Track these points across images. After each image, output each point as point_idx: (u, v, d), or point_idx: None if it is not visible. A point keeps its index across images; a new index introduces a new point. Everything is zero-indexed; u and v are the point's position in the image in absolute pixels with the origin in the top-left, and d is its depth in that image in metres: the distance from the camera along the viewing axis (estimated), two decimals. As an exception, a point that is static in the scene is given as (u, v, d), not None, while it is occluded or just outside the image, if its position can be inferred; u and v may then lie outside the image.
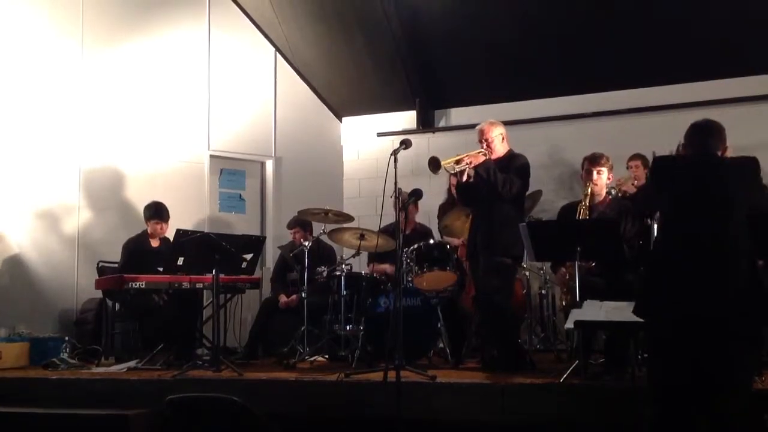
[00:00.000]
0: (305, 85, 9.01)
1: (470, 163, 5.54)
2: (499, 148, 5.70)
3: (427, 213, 7.21)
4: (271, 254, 8.16)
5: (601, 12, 7.47)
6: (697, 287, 3.48)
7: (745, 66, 7.38)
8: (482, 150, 5.63)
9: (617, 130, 7.58)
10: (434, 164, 5.50)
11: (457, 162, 5.57)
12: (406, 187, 5.68)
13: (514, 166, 5.61)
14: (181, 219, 7.12)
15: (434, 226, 7.11)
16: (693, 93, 7.46)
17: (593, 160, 5.70)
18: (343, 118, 9.26)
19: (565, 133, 8.00)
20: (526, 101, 8.22)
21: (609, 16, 7.48)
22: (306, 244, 6.62)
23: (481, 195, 5.63)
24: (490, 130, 5.68)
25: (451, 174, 5.82)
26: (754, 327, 3.55)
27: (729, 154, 5.22)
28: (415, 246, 6.21)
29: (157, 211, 6.90)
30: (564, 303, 6.01)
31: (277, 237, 8.21)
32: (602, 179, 5.62)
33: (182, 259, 6.08)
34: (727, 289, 3.47)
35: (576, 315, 4.82)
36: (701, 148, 3.77)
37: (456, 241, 6.72)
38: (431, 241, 6.40)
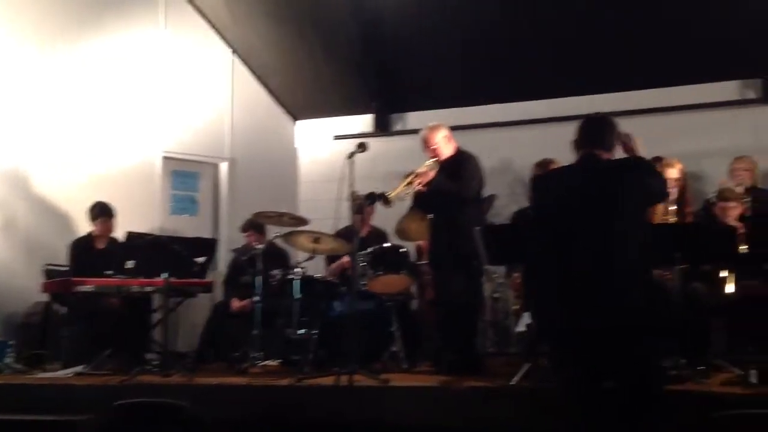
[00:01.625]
0: (261, 86, 8.95)
1: (420, 183, 5.56)
2: (446, 150, 5.75)
3: (383, 216, 7.17)
4: (223, 257, 8.05)
5: (554, 20, 7.54)
6: (589, 300, 3.43)
7: (690, 75, 7.50)
8: (429, 163, 5.62)
9: (569, 136, 7.61)
10: (384, 200, 5.53)
11: (408, 184, 5.59)
12: (363, 190, 5.65)
13: (463, 166, 5.64)
14: (131, 221, 6.98)
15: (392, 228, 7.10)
16: (642, 100, 7.55)
17: (542, 166, 5.77)
18: (299, 121, 9.22)
19: (518, 139, 8.04)
20: (481, 106, 8.25)
21: (561, 25, 7.55)
22: (260, 247, 6.54)
23: (438, 203, 5.65)
24: (434, 136, 5.73)
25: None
26: (647, 335, 3.53)
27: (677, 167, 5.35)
28: (371, 249, 6.19)
29: (102, 210, 6.80)
30: (516, 307, 6.05)
31: (230, 240, 8.11)
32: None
33: (132, 262, 5.98)
34: (620, 299, 3.42)
35: (528, 318, 4.85)
36: (588, 147, 3.73)
37: (422, 243, 6.73)
38: (387, 245, 6.37)
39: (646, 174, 3.76)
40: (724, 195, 5.55)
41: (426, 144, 5.77)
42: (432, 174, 5.60)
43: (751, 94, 7.49)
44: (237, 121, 8.71)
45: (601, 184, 3.61)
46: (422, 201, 5.80)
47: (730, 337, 5.78)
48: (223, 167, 8.70)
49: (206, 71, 8.58)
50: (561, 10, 7.45)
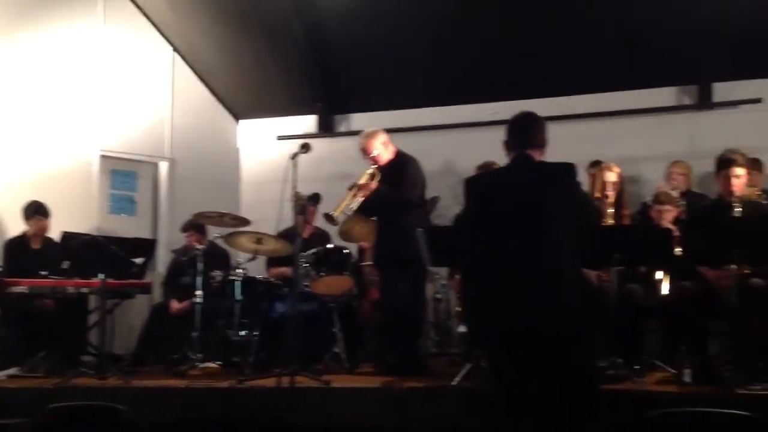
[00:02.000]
0: (203, 86, 8.84)
1: (363, 195, 5.61)
2: (386, 155, 5.79)
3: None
4: (163, 258, 7.93)
5: (498, 25, 7.62)
6: (521, 301, 3.44)
7: (629, 81, 7.66)
8: (370, 172, 5.66)
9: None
10: (329, 219, 5.60)
11: (352, 197, 5.63)
12: (306, 191, 5.62)
13: (405, 171, 5.66)
14: (68, 221, 6.83)
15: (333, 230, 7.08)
16: (582, 104, 7.69)
17: (484, 168, 5.83)
18: (242, 121, 9.14)
19: (461, 141, 8.10)
20: (424, 108, 8.31)
21: (504, 30, 7.64)
22: (200, 248, 6.46)
23: (383, 209, 5.67)
24: (372, 144, 5.76)
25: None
26: (580, 336, 3.57)
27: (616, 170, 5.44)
28: (313, 250, 6.16)
29: (37, 209, 6.66)
30: (458, 308, 6.09)
31: (170, 241, 7.99)
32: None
33: (68, 262, 5.86)
34: (551, 299, 3.44)
35: (470, 319, 4.88)
36: (520, 148, 3.72)
37: (365, 244, 6.74)
38: (329, 246, 6.35)
39: (580, 189, 3.84)
40: (660, 198, 5.67)
41: (365, 151, 5.81)
42: (374, 185, 5.63)
43: (687, 101, 7.69)
44: (177, 120, 8.58)
45: (534, 186, 3.62)
46: (367, 209, 5.81)
47: (664, 337, 5.94)
48: (163, 167, 8.56)
49: (146, 69, 8.43)
50: (504, 14, 7.53)
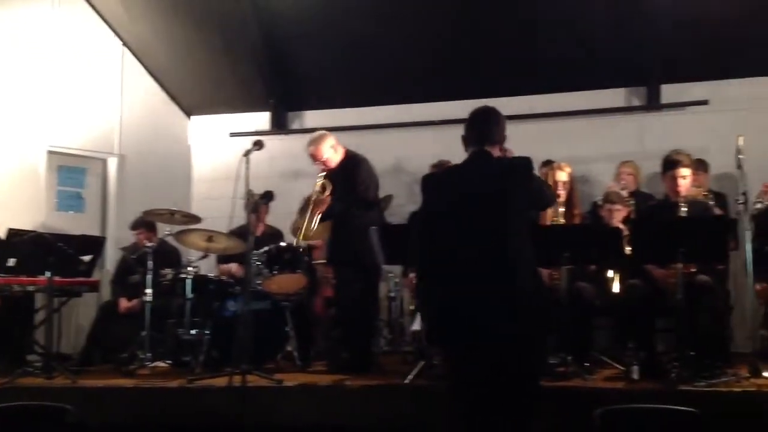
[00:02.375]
0: (154, 81, 8.71)
1: (320, 212, 5.70)
2: (336, 158, 5.82)
3: (278, 215, 7.12)
4: (111, 256, 7.81)
5: (451, 24, 7.66)
6: (478, 299, 3.42)
7: (580, 82, 7.76)
8: (321, 183, 5.72)
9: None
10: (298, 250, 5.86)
11: (311, 218, 5.70)
12: (258, 189, 5.58)
13: (357, 172, 5.72)
14: (14, 218, 6.70)
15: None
16: (533, 104, 7.75)
17: (438, 167, 5.86)
18: (193, 117, 9.03)
19: (414, 140, 8.13)
20: (377, 107, 8.31)
21: (457, 29, 7.68)
22: (150, 245, 6.37)
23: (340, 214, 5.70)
24: (320, 150, 5.78)
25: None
26: (535, 334, 3.59)
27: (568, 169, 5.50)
28: (266, 248, 6.12)
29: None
30: (412, 307, 6.11)
31: (119, 238, 7.86)
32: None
33: (14, 259, 5.74)
34: (507, 301, 3.41)
35: (423, 317, 4.89)
36: (478, 144, 3.69)
37: (317, 242, 6.72)
38: (282, 244, 6.31)
39: (536, 178, 3.83)
40: (610, 198, 5.76)
41: (314, 157, 5.81)
42: (328, 198, 5.65)
43: (637, 102, 7.81)
44: (127, 116, 8.44)
45: (492, 182, 3.60)
46: (325, 217, 5.84)
47: (613, 335, 6.03)
48: (112, 163, 8.41)
49: (95, 64, 8.26)
50: (458, 14, 7.57)
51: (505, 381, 3.43)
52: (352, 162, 5.82)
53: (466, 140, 3.76)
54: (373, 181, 5.88)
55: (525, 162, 3.66)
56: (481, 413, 3.49)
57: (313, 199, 5.73)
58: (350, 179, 5.74)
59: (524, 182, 3.64)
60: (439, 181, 3.88)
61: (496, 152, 3.70)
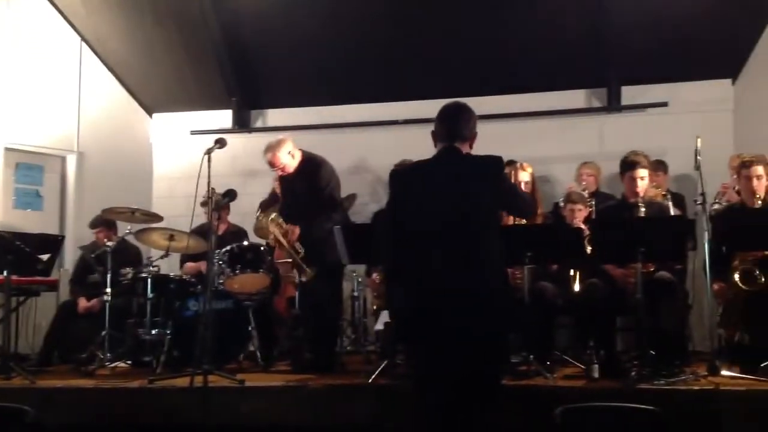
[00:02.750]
0: (113, 78, 8.59)
1: (294, 240, 5.71)
2: (293, 163, 5.83)
3: (242, 214, 7.08)
4: (70, 255, 7.70)
5: (413, 23, 7.69)
6: (447, 300, 3.40)
7: (541, 83, 7.85)
8: (275, 228, 5.77)
9: (425, 137, 7.72)
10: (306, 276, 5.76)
11: (296, 251, 5.72)
12: (220, 188, 5.54)
13: (318, 175, 5.73)
14: (-31, 215, 6.57)
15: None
16: (496, 105, 7.78)
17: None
18: (155, 115, 8.93)
19: (378, 139, 8.15)
20: (340, 105, 8.30)
21: (419, 29, 7.71)
22: (110, 244, 6.28)
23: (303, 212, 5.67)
24: (278, 156, 5.76)
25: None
26: (503, 333, 3.62)
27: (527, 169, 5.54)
28: (228, 247, 6.08)
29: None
30: (375, 306, 6.11)
31: (78, 237, 7.75)
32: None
33: (-31, 258, 5.63)
34: (476, 299, 3.40)
35: (386, 317, 4.91)
36: (448, 140, 3.65)
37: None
38: (245, 243, 6.27)
39: (508, 181, 3.83)
40: (572, 198, 5.81)
41: (272, 164, 5.79)
42: (297, 230, 5.66)
43: (597, 103, 7.90)
44: (86, 112, 8.32)
45: (461, 179, 3.58)
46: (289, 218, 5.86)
47: (573, 334, 6.10)
48: (71, 160, 8.29)
49: (53, 59, 8.13)
50: (420, 15, 7.59)
51: (470, 379, 3.43)
52: (312, 165, 5.80)
53: (436, 136, 3.72)
54: (335, 181, 5.87)
55: (496, 161, 3.63)
56: (445, 411, 3.49)
57: (281, 239, 5.75)
58: (313, 182, 5.72)
59: (495, 181, 3.62)
60: (407, 176, 3.81)
61: (465, 149, 3.67)
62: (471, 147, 3.71)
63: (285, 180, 5.94)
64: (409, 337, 3.59)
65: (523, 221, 5.25)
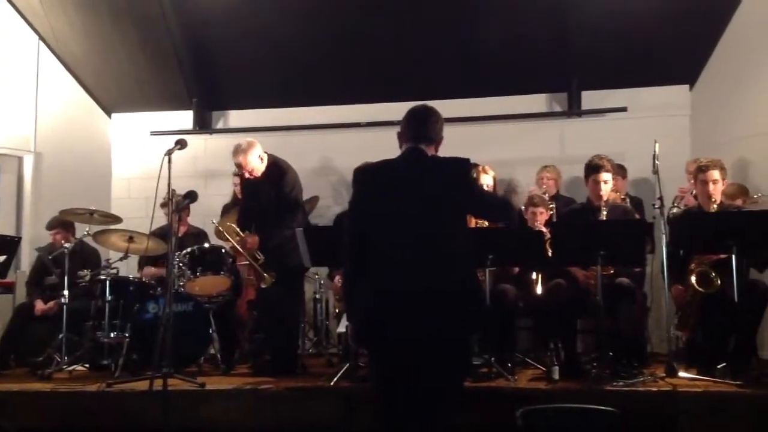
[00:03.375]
0: (72, 77, 8.46)
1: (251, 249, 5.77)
2: (262, 167, 5.81)
3: (203, 215, 7.02)
4: (27, 256, 7.56)
5: (375, 28, 7.70)
6: (412, 303, 3.35)
7: (503, 87, 7.89)
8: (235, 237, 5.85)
9: (387, 140, 7.67)
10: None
11: (256, 260, 5.75)
12: (181, 189, 5.48)
13: (284, 180, 5.74)
14: None
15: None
16: (458, 108, 7.79)
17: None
18: (114, 115, 8.81)
19: (340, 141, 8.13)
20: (302, 107, 8.27)
21: (382, 33, 7.72)
22: (67, 246, 6.19)
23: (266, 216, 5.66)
24: (248, 159, 5.74)
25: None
26: (467, 333, 3.61)
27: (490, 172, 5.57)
28: (189, 249, 6.02)
29: None
30: (337, 309, 6.10)
31: (34, 238, 7.62)
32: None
33: None
34: (440, 301, 3.35)
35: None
36: (413, 141, 3.60)
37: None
38: (206, 245, 6.22)
39: (479, 187, 3.81)
40: (534, 201, 5.86)
41: (240, 167, 5.76)
42: (256, 238, 5.72)
43: (558, 107, 7.98)
44: (44, 112, 8.18)
45: (425, 180, 3.53)
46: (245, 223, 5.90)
47: (535, 336, 6.15)
48: (28, 161, 8.14)
49: (9, 58, 7.98)
50: (383, 18, 7.60)
51: (432, 381, 3.43)
52: (278, 169, 5.79)
53: (402, 137, 3.68)
54: (299, 186, 5.89)
55: (463, 162, 3.59)
56: (407, 413, 3.48)
57: (238, 248, 5.77)
58: (279, 187, 5.70)
59: (463, 183, 3.60)
60: (372, 174, 3.71)
61: (431, 152, 3.62)
62: (436, 150, 3.67)
63: (250, 184, 5.89)
64: (370, 339, 3.56)
65: (485, 223, 5.27)
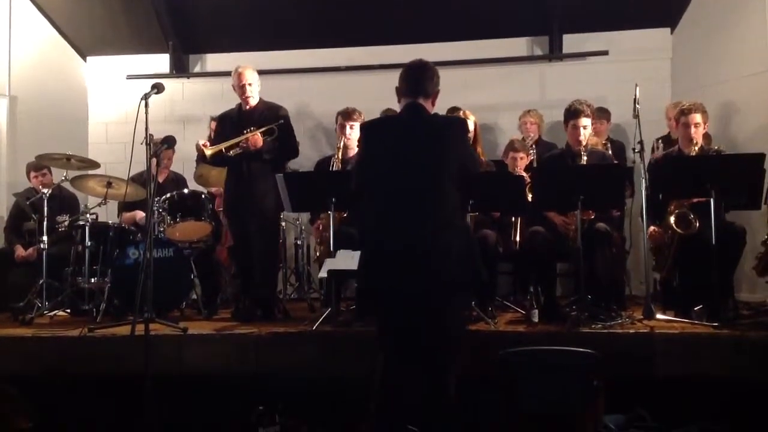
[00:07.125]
0: (45, 20, 8.26)
1: (244, 146, 5.53)
2: (256, 98, 5.68)
3: (182, 160, 6.95)
4: (5, 202, 7.48)
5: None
6: (409, 252, 3.50)
7: (484, 30, 7.81)
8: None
9: (366, 84, 7.66)
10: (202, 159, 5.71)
11: (229, 146, 5.55)
12: (159, 134, 5.41)
13: (288, 121, 5.65)
14: None
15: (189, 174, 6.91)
16: (438, 52, 7.67)
17: (346, 116, 5.82)
18: (89, 58, 8.64)
19: (315, 86, 8.05)
20: (280, 51, 8.14)
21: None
22: (45, 191, 6.12)
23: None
24: (247, 75, 5.60)
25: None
26: (466, 284, 3.67)
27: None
28: (168, 195, 5.98)
29: None
30: (318, 254, 6.11)
31: (11, 183, 7.53)
32: (354, 134, 5.73)
33: None
34: (440, 252, 3.50)
35: (329, 264, 4.91)
36: (411, 96, 3.72)
37: (215, 190, 6.62)
38: (185, 191, 6.17)
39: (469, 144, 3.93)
40: (514, 146, 5.85)
41: (240, 79, 5.60)
42: (260, 140, 5.50)
43: (539, 51, 7.92)
44: (17, 55, 7.98)
45: (425, 138, 3.65)
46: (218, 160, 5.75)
47: (515, 280, 6.20)
48: (2, 105, 7.98)
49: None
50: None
51: (433, 332, 3.54)
52: (277, 111, 5.68)
53: (399, 92, 3.78)
54: (292, 136, 5.81)
55: (461, 121, 3.79)
56: (409, 359, 3.60)
57: (251, 129, 5.54)
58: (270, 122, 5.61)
59: (458, 142, 3.72)
60: (378, 129, 3.89)
61: (428, 106, 3.74)
62: (433, 104, 3.80)
63: (238, 117, 5.76)
64: (375, 291, 3.65)
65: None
